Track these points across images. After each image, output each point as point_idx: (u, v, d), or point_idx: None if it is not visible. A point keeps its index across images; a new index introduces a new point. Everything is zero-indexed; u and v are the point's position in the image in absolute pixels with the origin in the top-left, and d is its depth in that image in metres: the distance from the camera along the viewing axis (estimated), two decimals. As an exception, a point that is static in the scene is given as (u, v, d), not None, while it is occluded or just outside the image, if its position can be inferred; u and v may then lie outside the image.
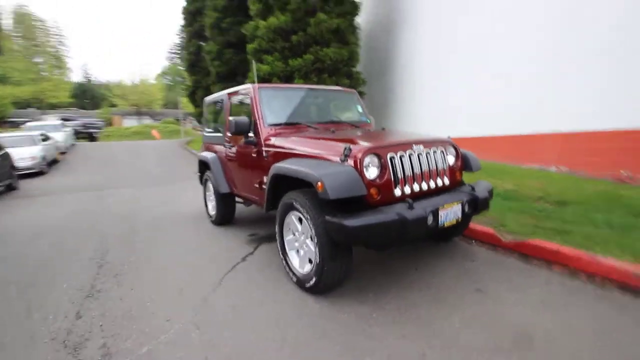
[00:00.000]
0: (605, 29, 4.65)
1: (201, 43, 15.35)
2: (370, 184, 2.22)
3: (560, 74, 5.20)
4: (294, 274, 2.54)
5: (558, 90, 5.26)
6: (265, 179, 3.13)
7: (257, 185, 3.29)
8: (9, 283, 2.88)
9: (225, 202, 4.19)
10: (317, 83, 9.47)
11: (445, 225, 2.36)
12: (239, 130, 3.16)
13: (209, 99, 4.69)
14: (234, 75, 12.94)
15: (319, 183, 2.09)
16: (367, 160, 2.26)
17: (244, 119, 3.16)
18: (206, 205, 4.68)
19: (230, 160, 3.86)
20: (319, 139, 2.69)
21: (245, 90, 3.48)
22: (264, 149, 3.06)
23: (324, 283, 2.26)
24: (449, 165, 2.74)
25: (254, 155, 3.25)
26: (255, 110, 3.23)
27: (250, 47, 10.19)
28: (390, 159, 2.35)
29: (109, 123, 37.74)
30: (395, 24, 10.54)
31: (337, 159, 2.32)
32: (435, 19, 9.11)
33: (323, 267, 2.20)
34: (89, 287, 2.73)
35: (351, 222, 2.01)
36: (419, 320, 2.05)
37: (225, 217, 4.27)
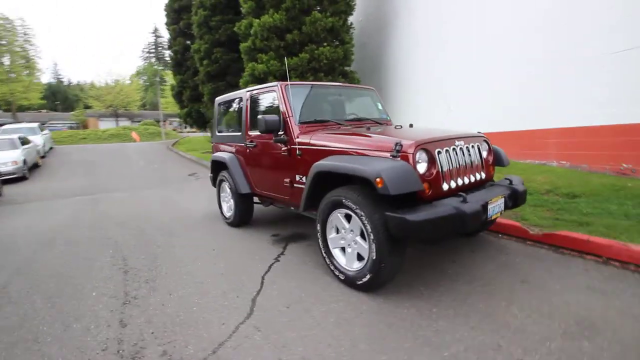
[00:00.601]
0: (604, 30, 4.90)
1: (188, 42, 14.96)
2: (422, 179, 2.24)
3: (559, 75, 5.43)
4: (340, 272, 2.52)
5: (557, 89, 5.49)
6: (298, 177, 3.10)
7: (287, 184, 3.24)
8: (31, 294, 2.70)
9: (245, 203, 4.11)
10: (313, 79, 9.45)
11: (492, 218, 2.42)
12: (269, 129, 3.10)
13: (222, 98, 4.58)
14: (224, 74, 12.70)
15: (378, 179, 2.08)
16: (418, 155, 2.27)
17: (274, 117, 3.11)
18: (220, 207, 4.57)
19: (252, 159, 3.79)
20: (361, 135, 2.68)
21: (271, 88, 3.42)
22: (297, 147, 3.01)
23: (380, 279, 2.26)
24: (485, 159, 2.81)
25: (284, 153, 3.20)
26: (286, 108, 3.19)
27: (244, 45, 10.05)
28: (437, 154, 2.38)
29: (84, 125, 36.16)
30: (387, 22, 10.68)
31: (386, 154, 2.32)
32: (425, 17, 9.27)
33: (380, 263, 2.19)
34: (123, 295, 2.60)
35: (414, 216, 2.02)
36: (480, 312, 2.08)
37: (243, 218, 4.18)
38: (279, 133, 3.17)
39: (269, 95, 3.48)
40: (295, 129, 3.11)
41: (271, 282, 2.66)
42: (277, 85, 3.32)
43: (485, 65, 7.08)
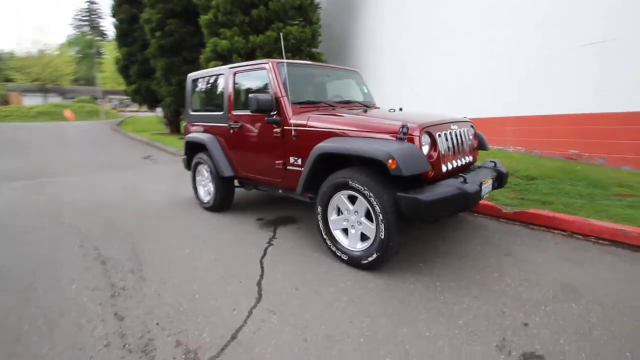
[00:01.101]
0: (562, 25, 5.36)
1: (135, 10, 13.51)
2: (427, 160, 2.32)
3: (519, 66, 5.88)
4: (343, 252, 2.56)
5: (515, 80, 5.95)
6: (292, 159, 3.04)
7: (279, 166, 3.16)
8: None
9: (226, 187, 3.94)
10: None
11: (484, 198, 2.60)
12: (261, 108, 2.98)
13: (196, 75, 4.26)
14: (180, 48, 11.76)
15: (391, 160, 2.12)
16: (423, 138, 2.35)
17: (266, 96, 2.99)
18: (196, 191, 4.34)
19: (236, 140, 3.61)
20: (362, 117, 2.68)
21: (260, 65, 3.26)
22: (293, 128, 2.93)
23: (386, 258, 2.34)
24: (471, 143, 2.98)
25: (276, 134, 3.10)
26: (278, 88, 3.06)
27: (204, 18, 9.38)
28: (438, 137, 2.48)
29: (5, 101, 31.53)
30: (354, 5, 10.62)
31: (391, 136, 2.36)
32: (393, 2, 9.33)
33: (388, 242, 2.26)
34: (108, 286, 2.39)
35: (425, 197, 2.10)
36: (478, 283, 2.26)
37: (224, 202, 4.02)
38: (272, 113, 3.06)
39: (258, 73, 3.32)
40: (289, 110, 3.01)
41: (271, 266, 2.62)
42: (268, 63, 3.17)
43: (446, 51, 7.38)
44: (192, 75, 4.36)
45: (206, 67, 9.64)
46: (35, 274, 2.59)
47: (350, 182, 2.40)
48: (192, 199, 4.68)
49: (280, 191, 3.48)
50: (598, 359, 1.58)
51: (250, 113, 3.38)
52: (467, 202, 2.25)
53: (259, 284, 2.36)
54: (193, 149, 4.30)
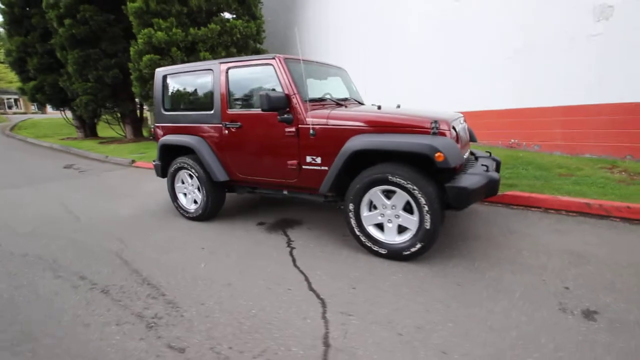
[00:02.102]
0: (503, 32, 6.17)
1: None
2: (455, 153, 2.51)
3: (468, 66, 6.60)
4: (381, 247, 2.61)
5: (465, 78, 6.67)
6: (309, 158, 2.95)
7: (293, 167, 3.04)
8: (-26, 348, 1.81)
9: (218, 192, 3.63)
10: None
11: (492, 184, 2.92)
12: (274, 107, 2.84)
13: (169, 70, 3.80)
14: (97, 39, 10.18)
15: (438, 154, 2.24)
16: (452, 132, 2.53)
17: (279, 93, 2.85)
18: (175, 200, 3.89)
19: (233, 141, 3.34)
20: (390, 113, 2.73)
21: (264, 61, 3.07)
22: (311, 125, 2.85)
23: (430, 246, 2.46)
24: (467, 136, 3.30)
25: (289, 133, 2.97)
26: (289, 84, 2.94)
27: (132, 6, 8.34)
28: (457, 131, 2.69)
29: None
30: (295, 2, 10.57)
31: (423, 131, 2.48)
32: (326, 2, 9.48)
33: (434, 232, 2.39)
34: (135, 318, 2.03)
35: (471, 185, 2.29)
36: (505, 260, 2.53)
37: (215, 209, 3.70)
38: (286, 112, 2.92)
39: (260, 69, 3.12)
40: (303, 107, 2.92)
41: (310, 270, 2.53)
42: (274, 59, 3.01)
43: (393, 48, 7.85)
44: (162, 71, 3.87)
45: (140, 61, 8.59)
46: (25, 321, 2.06)
47: (390, 177, 2.46)
48: (166, 209, 4.22)
49: (285, 192, 3.35)
50: (632, 305, 1.94)
51: (253, 112, 3.18)
52: (496, 188, 2.51)
53: (311, 289, 2.27)
54: (170, 153, 3.85)
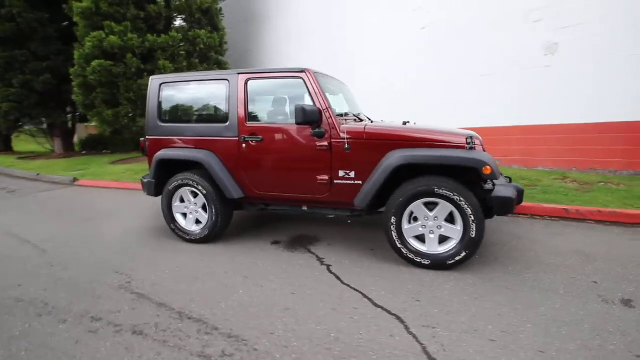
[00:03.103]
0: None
1: None
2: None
3: (425, 87, 7.20)
4: (424, 258, 2.67)
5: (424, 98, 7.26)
6: (342, 173, 2.93)
7: (323, 182, 2.97)
8: None
9: (228, 211, 3.37)
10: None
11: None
12: (308, 120, 2.79)
13: (166, 78, 3.47)
14: (26, 39, 8.78)
15: (487, 167, 2.41)
16: (483, 146, 2.74)
17: (312, 107, 2.81)
18: (173, 221, 3.49)
19: (252, 156, 3.15)
20: (428, 129, 2.84)
21: (293, 74, 2.99)
22: (346, 140, 2.84)
23: (473, 254, 2.59)
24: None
25: (321, 148, 2.92)
26: (319, 98, 2.91)
27: (78, 5, 7.50)
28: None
29: None
30: (256, 15, 10.48)
31: (459, 146, 2.66)
32: (295, 14, 9.62)
33: (479, 240, 2.53)
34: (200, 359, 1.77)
35: (512, 195, 2.49)
36: (533, 262, 2.78)
37: (223, 229, 3.42)
38: (319, 125, 2.87)
39: (287, 82, 3.04)
40: (336, 121, 2.91)
41: (363, 287, 2.46)
42: (305, 72, 2.95)
43: (348, 65, 8.21)
44: (158, 79, 3.51)
45: (86, 66, 7.61)
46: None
47: (436, 190, 2.56)
48: (151, 232, 3.81)
49: (305, 208, 3.25)
50: (649, 295, 2.29)
51: (277, 125, 3.06)
52: (522, 197, 2.78)
53: (378, 305, 2.21)
54: (169, 169, 3.47)
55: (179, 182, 3.37)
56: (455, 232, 2.61)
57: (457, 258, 2.59)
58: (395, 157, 2.65)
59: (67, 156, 10.22)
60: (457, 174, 2.67)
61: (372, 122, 3.04)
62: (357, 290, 2.42)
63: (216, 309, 2.24)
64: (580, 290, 2.33)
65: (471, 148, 2.64)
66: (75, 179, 7.36)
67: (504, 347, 1.78)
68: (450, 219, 2.64)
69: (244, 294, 2.42)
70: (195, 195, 3.41)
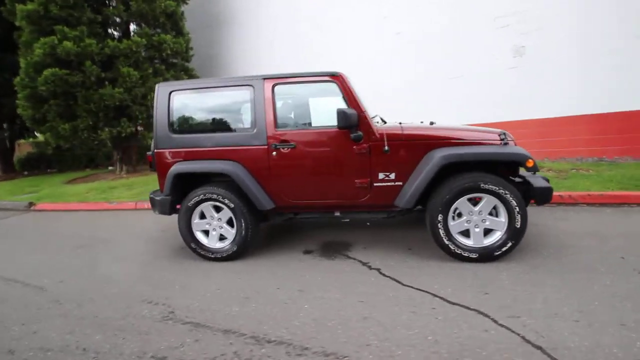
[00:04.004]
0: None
1: None
2: (515, 160, 2.91)
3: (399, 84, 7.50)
4: (471, 252, 2.75)
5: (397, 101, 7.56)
6: (382, 175, 2.94)
7: (362, 186, 2.94)
8: None
9: (257, 224, 3.18)
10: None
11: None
12: (349, 124, 2.76)
13: (176, 85, 3.19)
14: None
15: (530, 160, 2.57)
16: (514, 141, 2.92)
17: (352, 110, 2.77)
18: (193, 240, 3.20)
19: (284, 164, 3.01)
20: (462, 128, 2.95)
21: (323, 78, 2.92)
22: (386, 141, 2.84)
23: (518, 243, 2.73)
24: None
25: (360, 151, 2.88)
26: (355, 102, 2.88)
27: (22, 8, 6.60)
28: (509, 141, 3.12)
29: None
30: (220, 22, 10.11)
31: (494, 142, 2.81)
32: (266, 19, 9.47)
33: (523, 229, 2.67)
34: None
35: (550, 185, 2.68)
36: (559, 248, 2.98)
37: (251, 243, 3.21)
38: (358, 130, 2.84)
39: (316, 87, 2.96)
40: (372, 124, 2.90)
41: (426, 286, 2.45)
42: (338, 76, 2.90)
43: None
44: (167, 86, 3.21)
45: (36, 76, 6.68)
46: None
47: (482, 185, 2.66)
48: (169, 254, 3.48)
49: (337, 213, 3.20)
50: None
51: (312, 130, 2.98)
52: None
53: (453, 303, 2.23)
54: (187, 183, 3.18)
55: (201, 196, 3.10)
56: (500, 224, 2.73)
57: (504, 249, 2.71)
58: (440, 156, 2.71)
59: (8, 178, 8.92)
60: (490, 169, 2.81)
61: (400, 124, 3.08)
62: (423, 291, 2.42)
63: (291, 327, 2.09)
64: (616, 267, 2.57)
65: (505, 144, 2.80)
66: (31, 204, 6.43)
67: (590, 325, 1.90)
68: (495, 212, 2.77)
69: (310, 308, 2.30)
70: (217, 209, 3.17)
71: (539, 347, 1.77)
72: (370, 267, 2.88)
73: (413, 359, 1.75)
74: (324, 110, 3.01)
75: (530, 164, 2.61)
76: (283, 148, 3.00)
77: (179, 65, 8.52)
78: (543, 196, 2.73)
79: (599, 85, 5.68)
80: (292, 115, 3.10)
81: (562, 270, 2.57)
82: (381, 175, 2.93)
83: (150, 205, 3.40)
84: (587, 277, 2.45)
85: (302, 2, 8.70)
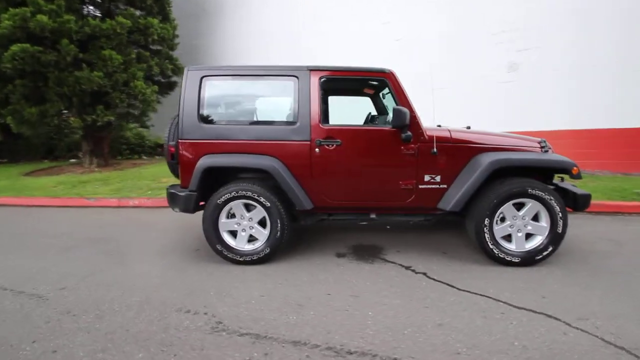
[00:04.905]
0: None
1: None
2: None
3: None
4: (514, 256, 2.78)
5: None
6: (427, 177, 2.89)
7: (407, 187, 2.87)
8: None
9: (291, 224, 2.98)
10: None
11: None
12: (402, 123, 2.69)
13: (210, 70, 2.90)
14: None
15: (575, 168, 2.66)
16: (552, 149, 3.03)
17: (407, 110, 2.70)
18: (220, 242, 2.92)
19: (329, 162, 2.85)
20: (503, 134, 2.99)
21: (374, 73, 2.82)
22: (435, 143, 2.80)
23: (557, 248, 2.81)
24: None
25: (407, 152, 2.81)
26: (406, 100, 2.81)
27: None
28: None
29: None
30: (208, 12, 9.61)
31: (535, 149, 2.90)
32: (258, 12, 9.17)
33: (563, 234, 2.76)
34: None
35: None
36: (585, 252, 3.12)
37: (283, 246, 3.00)
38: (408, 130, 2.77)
39: (364, 81, 2.85)
40: (422, 125, 2.85)
41: (481, 290, 2.44)
42: (390, 73, 2.81)
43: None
44: (198, 70, 2.90)
45: (2, 51, 5.81)
46: None
47: (529, 190, 2.70)
48: (188, 257, 3.17)
49: (372, 216, 3.10)
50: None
51: (362, 128, 2.88)
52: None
53: (520, 307, 2.22)
54: (210, 177, 2.90)
55: (233, 193, 2.84)
56: (542, 229, 2.80)
57: (545, 253, 2.78)
58: (490, 161, 2.71)
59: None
60: (526, 175, 2.87)
61: (446, 128, 3.08)
62: (482, 295, 2.39)
63: (366, 336, 1.95)
64: (644, 268, 2.75)
65: (545, 151, 2.89)
66: (-14, 198, 5.56)
67: (664, 318, 1.99)
68: (535, 218, 2.83)
69: (377, 315, 2.16)
70: (248, 209, 2.93)
71: (622, 348, 1.81)
72: (415, 272, 2.80)
73: (512, 367, 1.70)
74: (366, 108, 2.91)
75: (575, 171, 2.71)
76: (328, 145, 2.84)
77: (163, 52, 7.93)
78: (584, 202, 2.85)
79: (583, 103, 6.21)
80: (337, 111, 2.95)
81: (599, 274, 2.68)
82: (427, 178, 2.89)
83: (169, 201, 3.05)
84: (624, 280, 2.58)
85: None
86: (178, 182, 3.11)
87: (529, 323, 2.06)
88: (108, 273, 2.87)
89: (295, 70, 2.87)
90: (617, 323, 2.02)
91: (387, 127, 2.81)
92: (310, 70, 2.86)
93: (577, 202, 2.84)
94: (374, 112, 3.80)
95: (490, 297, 2.36)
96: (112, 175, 7.14)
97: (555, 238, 2.77)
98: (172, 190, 3.00)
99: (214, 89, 2.93)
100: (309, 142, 2.84)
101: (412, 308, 2.25)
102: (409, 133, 2.79)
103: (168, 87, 8.63)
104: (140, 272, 2.89)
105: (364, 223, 3.18)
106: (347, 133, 2.86)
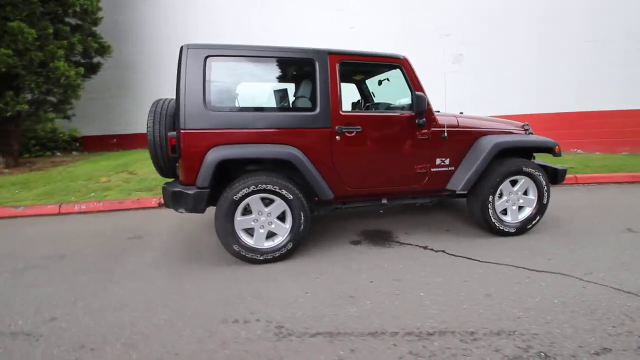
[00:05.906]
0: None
1: None
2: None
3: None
4: (510, 227, 3.14)
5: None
6: (438, 161, 3.06)
7: (421, 171, 2.98)
8: None
9: (309, 215, 2.85)
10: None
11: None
12: (422, 110, 2.79)
13: (216, 49, 2.55)
14: None
15: (557, 146, 3.08)
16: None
17: (425, 96, 2.79)
18: (236, 241, 2.66)
19: (351, 149, 2.79)
20: (494, 119, 3.27)
21: (389, 59, 2.82)
22: (446, 129, 2.95)
23: (542, 217, 3.25)
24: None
25: (422, 137, 2.92)
26: (420, 87, 2.89)
27: None
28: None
29: None
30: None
31: (521, 131, 3.28)
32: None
33: (547, 204, 3.19)
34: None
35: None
36: (590, 225, 3.54)
37: (304, 238, 2.88)
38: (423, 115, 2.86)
39: (376, 66, 2.84)
40: (433, 109, 2.97)
41: (516, 262, 2.65)
42: (404, 59, 2.83)
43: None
44: (199, 49, 2.51)
45: None
46: None
47: (524, 168, 3.05)
48: (196, 261, 2.86)
49: (384, 201, 3.17)
50: None
51: (381, 114, 2.87)
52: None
53: (552, 272, 2.48)
54: (222, 171, 2.60)
55: (252, 187, 2.59)
56: (531, 201, 3.20)
57: (534, 222, 3.20)
58: (492, 144, 2.98)
59: None
60: (518, 154, 3.25)
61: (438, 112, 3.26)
62: (504, 264, 2.63)
63: (433, 316, 2.00)
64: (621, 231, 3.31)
65: (529, 133, 3.29)
66: None
67: (643, 271, 2.46)
68: (525, 192, 3.22)
69: (429, 295, 2.23)
70: (266, 204, 2.71)
71: (629, 292, 2.19)
72: (434, 250, 2.96)
73: (580, 322, 1.90)
74: (385, 92, 2.92)
75: (557, 149, 3.15)
76: (349, 132, 2.77)
77: (86, 28, 6.67)
78: (562, 177, 3.34)
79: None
80: (358, 95, 2.89)
81: (584, 234, 3.17)
82: (438, 161, 3.04)
83: (171, 201, 2.62)
84: (614, 237, 3.08)
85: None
86: (160, 179, 2.70)
87: (554, 283, 2.35)
88: (104, 294, 2.38)
89: (313, 52, 2.70)
90: (613, 273, 2.44)
91: (406, 113, 2.86)
92: (329, 53, 2.73)
93: (557, 177, 3.32)
94: (359, 98, 3.86)
95: (512, 265, 2.63)
96: (31, 176, 5.84)
97: (541, 208, 3.20)
98: (177, 189, 2.60)
99: (221, 70, 2.60)
100: (329, 130, 2.74)
101: (455, 283, 2.39)
102: (424, 119, 2.89)
103: (91, 69, 7.31)
104: (146, 287, 2.46)
105: (381, 210, 3.20)
106: (367, 119, 2.83)
